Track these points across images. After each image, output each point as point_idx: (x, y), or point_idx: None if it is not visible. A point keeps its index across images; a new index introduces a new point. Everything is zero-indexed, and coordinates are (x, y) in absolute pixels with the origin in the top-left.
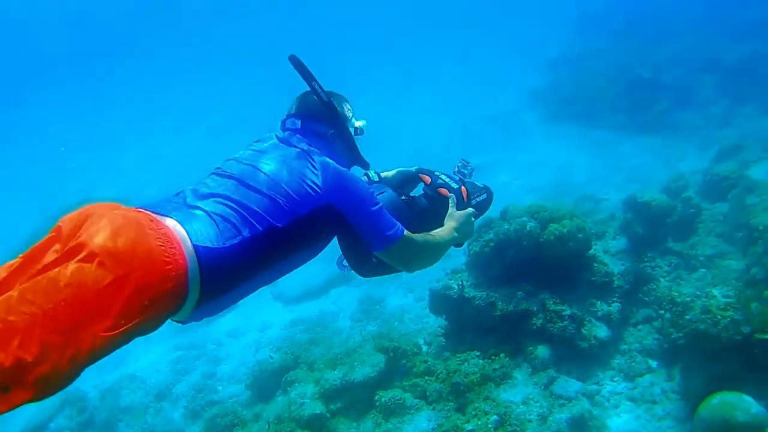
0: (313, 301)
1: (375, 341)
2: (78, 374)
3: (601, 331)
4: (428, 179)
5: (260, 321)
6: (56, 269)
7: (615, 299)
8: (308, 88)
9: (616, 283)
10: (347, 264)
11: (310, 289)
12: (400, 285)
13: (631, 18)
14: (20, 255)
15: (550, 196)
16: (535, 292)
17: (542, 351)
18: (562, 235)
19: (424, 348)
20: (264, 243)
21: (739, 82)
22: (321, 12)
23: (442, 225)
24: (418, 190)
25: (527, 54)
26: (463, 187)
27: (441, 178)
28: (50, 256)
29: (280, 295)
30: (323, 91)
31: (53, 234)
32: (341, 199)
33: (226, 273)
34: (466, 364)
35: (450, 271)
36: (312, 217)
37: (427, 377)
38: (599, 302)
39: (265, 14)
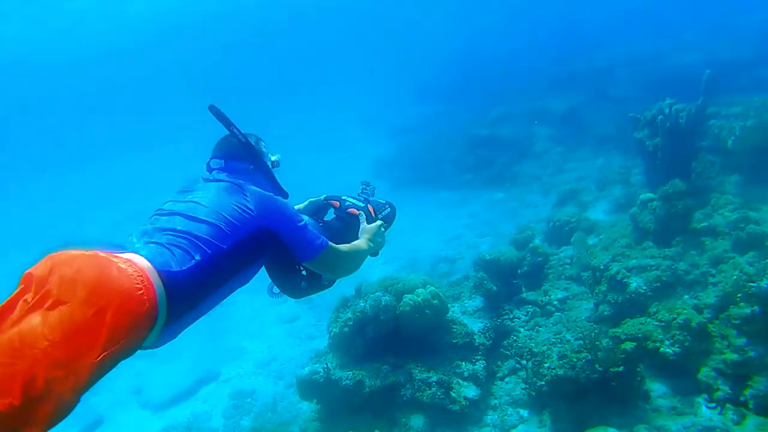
0: (183, 404)
1: None
2: (78, 401)
3: (470, 391)
4: (337, 203)
5: None
6: (42, 310)
7: (479, 357)
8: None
9: (477, 341)
10: (278, 291)
11: (179, 392)
12: (270, 373)
13: (464, 81)
14: None
15: (408, 263)
16: (401, 363)
17: (416, 420)
18: (418, 305)
19: None
20: (215, 264)
21: (568, 130)
22: None
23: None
24: (330, 215)
25: (373, 122)
26: (369, 205)
27: (349, 200)
28: (26, 305)
29: (147, 403)
30: (241, 133)
31: (23, 285)
32: (272, 219)
33: (188, 293)
34: None
35: (314, 354)
36: (251, 238)
37: None
38: (464, 363)
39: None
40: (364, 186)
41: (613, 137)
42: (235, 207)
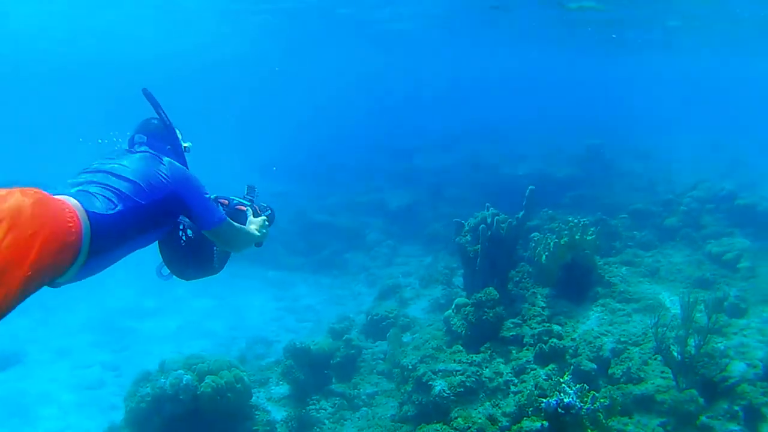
0: None
1: None
2: (7, 313)
3: None
4: (226, 202)
5: None
6: None
7: None
8: (151, 115)
9: (279, 430)
10: (167, 272)
11: None
12: None
13: (307, 163)
14: None
15: (224, 341)
16: None
17: None
18: (220, 387)
19: None
20: (133, 215)
21: (403, 225)
22: None
23: None
24: None
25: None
26: (254, 205)
27: (236, 199)
28: None
29: None
30: (167, 116)
31: None
32: (183, 186)
33: (108, 235)
34: None
35: (109, 428)
36: (164, 200)
37: None
38: None
39: None
40: (249, 189)
41: (444, 237)
42: (154, 172)
